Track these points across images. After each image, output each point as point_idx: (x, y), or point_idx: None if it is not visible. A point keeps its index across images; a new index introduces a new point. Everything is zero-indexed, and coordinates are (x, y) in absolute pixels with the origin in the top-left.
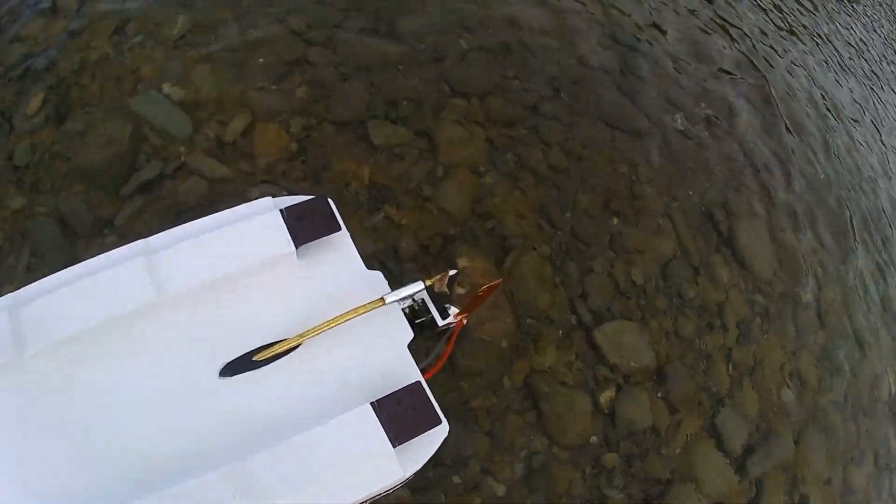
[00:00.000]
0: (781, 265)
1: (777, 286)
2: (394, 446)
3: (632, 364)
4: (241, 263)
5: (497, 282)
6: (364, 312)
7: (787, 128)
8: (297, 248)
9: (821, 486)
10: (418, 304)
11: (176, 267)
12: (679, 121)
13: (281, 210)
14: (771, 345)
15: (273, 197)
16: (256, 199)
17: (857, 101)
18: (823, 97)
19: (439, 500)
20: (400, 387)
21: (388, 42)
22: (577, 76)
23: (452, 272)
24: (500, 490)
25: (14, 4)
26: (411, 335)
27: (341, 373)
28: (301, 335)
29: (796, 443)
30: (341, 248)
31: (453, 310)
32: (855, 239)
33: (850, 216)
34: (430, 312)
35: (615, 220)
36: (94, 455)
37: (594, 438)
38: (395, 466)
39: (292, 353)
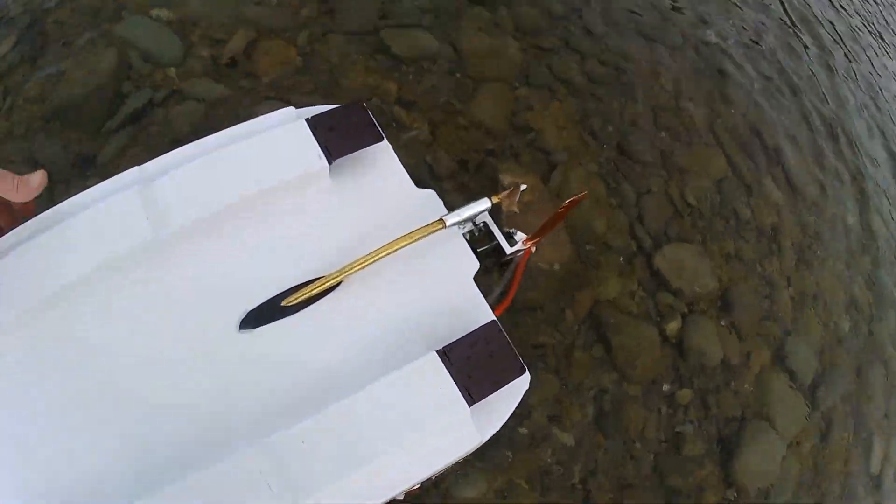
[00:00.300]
0: (825, 187)
1: (825, 208)
2: (469, 405)
3: (696, 289)
4: (260, 185)
5: (582, 194)
6: (420, 238)
7: (813, 49)
8: (329, 163)
9: (879, 421)
10: (479, 229)
11: (178, 194)
12: (712, 37)
13: (307, 119)
14: (827, 270)
15: (295, 108)
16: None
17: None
18: (852, 25)
19: (504, 458)
20: (470, 329)
21: None
22: None
23: (523, 187)
24: (570, 439)
25: None
26: (476, 265)
27: (394, 315)
28: (341, 270)
29: (857, 375)
30: (383, 161)
31: (520, 235)
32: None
33: (889, 140)
34: (493, 239)
35: (663, 135)
36: (94, 437)
37: (664, 372)
38: (472, 430)
39: (330, 294)
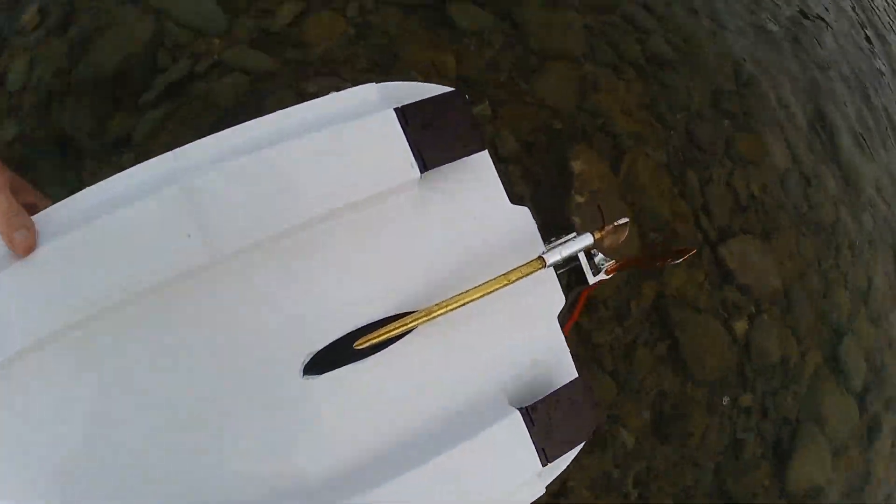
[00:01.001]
0: (881, 183)
1: (880, 205)
2: (542, 465)
3: (762, 286)
4: (336, 200)
5: (692, 251)
6: (517, 280)
7: (874, 37)
8: (421, 173)
9: None
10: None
11: (235, 202)
12: (769, 23)
13: (396, 110)
14: (880, 269)
15: (376, 84)
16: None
17: None
18: None
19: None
20: (554, 384)
21: None
22: None
23: (623, 220)
24: (630, 441)
25: None
26: (563, 301)
27: (475, 361)
28: (425, 312)
29: None
30: (479, 172)
31: (607, 263)
32: None
33: None
34: (575, 262)
35: (727, 123)
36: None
37: (731, 375)
38: (538, 485)
39: (406, 336)
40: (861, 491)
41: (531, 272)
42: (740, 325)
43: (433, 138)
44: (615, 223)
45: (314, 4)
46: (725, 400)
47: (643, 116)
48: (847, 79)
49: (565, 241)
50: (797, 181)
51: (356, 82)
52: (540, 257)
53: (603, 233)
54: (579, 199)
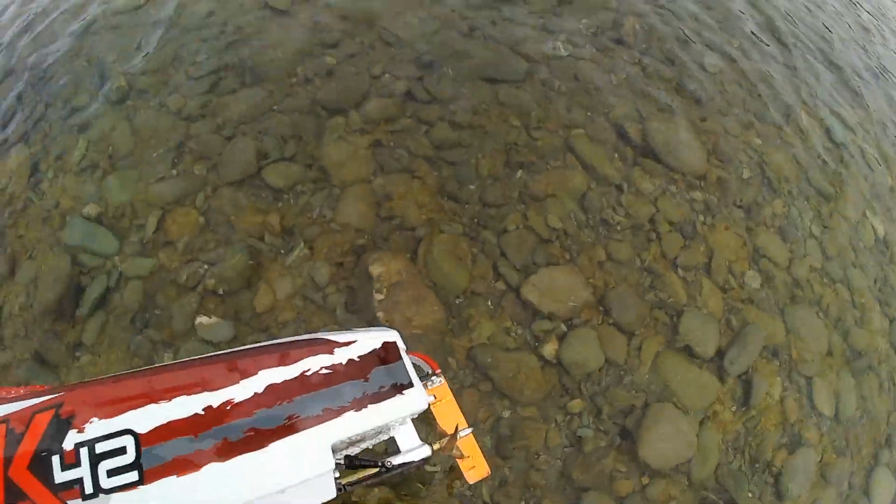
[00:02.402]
0: (712, 151)
1: (712, 173)
2: None
3: (570, 304)
4: None
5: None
6: None
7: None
8: None
9: (822, 358)
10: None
11: None
12: (560, 47)
13: None
14: (719, 236)
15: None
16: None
17: None
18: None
19: (417, 491)
20: None
21: (255, 89)
22: (446, 44)
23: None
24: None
25: None
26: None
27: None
28: None
29: (784, 323)
30: None
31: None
32: (783, 104)
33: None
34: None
35: (520, 173)
36: None
37: (553, 390)
38: None
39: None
40: (751, 446)
41: None
42: (549, 348)
43: None
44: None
45: (168, 207)
46: (553, 391)
47: (436, 202)
48: (650, 71)
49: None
50: (602, 195)
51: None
52: None
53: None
54: (379, 296)
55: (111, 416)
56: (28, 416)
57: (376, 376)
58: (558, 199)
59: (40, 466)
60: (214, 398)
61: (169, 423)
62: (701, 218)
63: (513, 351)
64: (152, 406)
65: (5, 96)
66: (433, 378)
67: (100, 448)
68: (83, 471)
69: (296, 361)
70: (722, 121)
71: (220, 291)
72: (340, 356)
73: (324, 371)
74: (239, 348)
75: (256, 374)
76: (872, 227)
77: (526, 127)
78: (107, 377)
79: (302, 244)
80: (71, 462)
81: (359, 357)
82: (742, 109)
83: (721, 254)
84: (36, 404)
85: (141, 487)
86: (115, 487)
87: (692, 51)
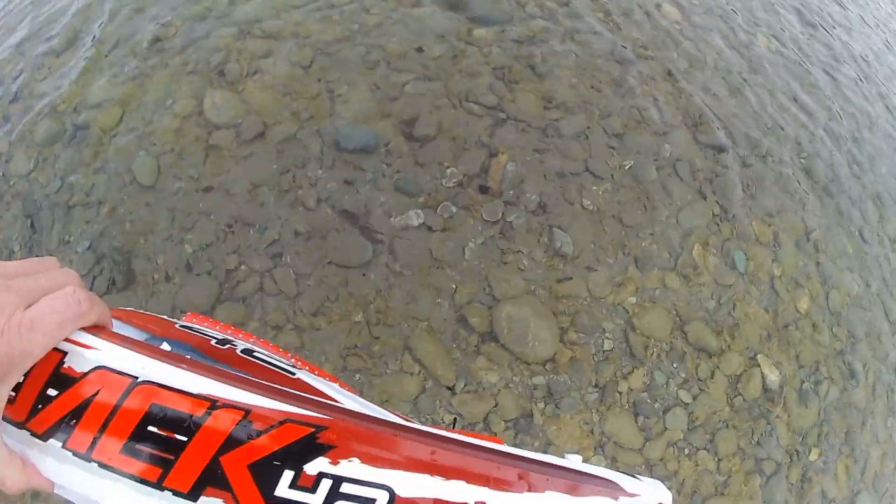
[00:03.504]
0: (569, 326)
1: (563, 355)
2: None
3: None
4: None
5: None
6: None
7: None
8: None
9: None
10: None
11: None
12: (413, 218)
13: None
14: (563, 426)
15: None
16: None
17: None
18: None
19: None
20: None
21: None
22: (306, 227)
23: None
24: None
25: None
26: None
27: None
28: None
29: None
30: None
31: None
32: (672, 240)
33: None
34: None
35: (356, 379)
36: None
37: None
38: None
39: None
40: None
41: None
42: None
43: None
44: None
45: None
46: None
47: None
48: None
49: None
50: (434, 397)
51: None
52: None
53: None
54: None
55: (376, 465)
56: (277, 419)
57: None
58: (391, 404)
59: (265, 471)
60: (493, 498)
61: (435, 500)
62: (541, 407)
63: None
64: (426, 476)
65: None
66: None
67: (346, 489)
68: (315, 499)
69: (583, 496)
70: (588, 281)
71: None
72: None
73: None
74: (535, 455)
75: (543, 492)
76: (762, 374)
77: (367, 323)
78: (389, 422)
79: None
80: (306, 485)
81: None
82: (618, 257)
83: (561, 447)
84: (293, 413)
85: None
86: None
87: (569, 186)
